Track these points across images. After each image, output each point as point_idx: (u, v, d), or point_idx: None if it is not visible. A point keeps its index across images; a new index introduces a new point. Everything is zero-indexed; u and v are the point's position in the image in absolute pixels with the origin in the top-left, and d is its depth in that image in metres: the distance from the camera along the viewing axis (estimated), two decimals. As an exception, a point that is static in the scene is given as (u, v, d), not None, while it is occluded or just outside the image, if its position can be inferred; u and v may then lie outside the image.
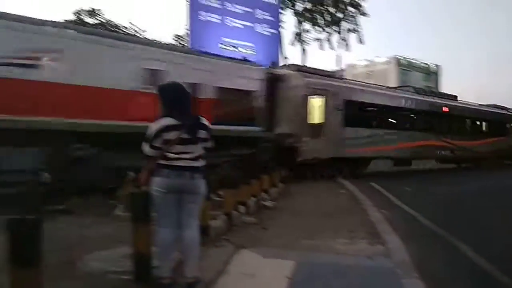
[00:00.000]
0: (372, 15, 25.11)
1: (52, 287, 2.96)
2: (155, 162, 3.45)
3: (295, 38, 24.65)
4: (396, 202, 9.39)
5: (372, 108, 15.66)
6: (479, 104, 22.44)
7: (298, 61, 22.05)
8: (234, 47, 17.89)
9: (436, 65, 60.06)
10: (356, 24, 24.78)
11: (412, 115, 17.73)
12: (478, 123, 21.53)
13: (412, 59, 57.50)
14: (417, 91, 19.07)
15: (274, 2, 19.83)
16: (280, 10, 20.96)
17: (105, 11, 24.87)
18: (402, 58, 56.67)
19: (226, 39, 17.83)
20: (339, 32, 24.86)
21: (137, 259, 3.64)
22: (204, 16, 17.45)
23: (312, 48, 38.92)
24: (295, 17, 24.63)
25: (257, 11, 19.02)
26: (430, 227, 6.81)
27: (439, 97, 19.79)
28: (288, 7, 23.79)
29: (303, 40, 24.82)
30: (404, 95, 17.71)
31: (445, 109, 18.90)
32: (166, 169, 3.41)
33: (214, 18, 17.76)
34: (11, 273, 2.44)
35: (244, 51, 17.69)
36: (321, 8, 24.35)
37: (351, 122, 14.19)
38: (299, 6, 24.47)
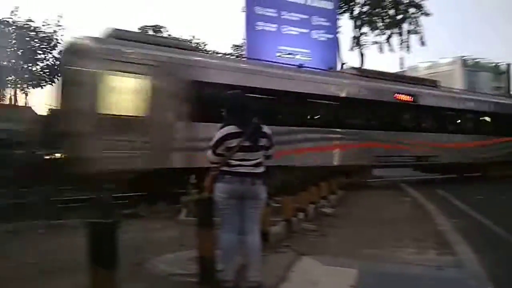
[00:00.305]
0: (435, 14, 23.91)
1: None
2: (219, 168, 3.57)
3: (353, 42, 24.22)
4: (467, 211, 8.82)
5: (254, 95, 9.33)
6: (482, 93, 18.81)
7: (357, 66, 21.56)
8: (290, 54, 17.95)
9: (508, 64, 55.85)
10: (417, 25, 23.82)
11: (335, 106, 12.39)
12: (474, 118, 16.53)
13: (479, 59, 53.96)
14: (362, 72, 14.85)
15: (330, 7, 19.66)
16: (337, 15, 20.71)
17: (168, 26, 26.04)
18: (468, 58, 53.40)
19: (282, 47, 17.95)
20: (399, 34, 24.05)
21: (201, 262, 3.76)
22: (260, 26, 17.71)
23: (371, 51, 37.93)
24: (352, 21, 24.22)
25: (314, 17, 18.97)
26: (506, 237, 6.33)
27: (406, 82, 15.35)
28: (345, 11, 23.45)
29: (361, 44, 24.31)
30: (317, 76, 12.93)
31: (403, 97, 14.03)
32: (228, 175, 3.53)
33: (270, 27, 17.96)
34: (90, 272, 2.63)
35: (300, 58, 17.69)
36: (380, 10, 23.73)
37: (206, 115, 8.95)
38: (357, 10, 24.04)
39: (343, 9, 23.17)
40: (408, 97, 14.11)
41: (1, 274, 4.00)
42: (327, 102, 12.23)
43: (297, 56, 17.97)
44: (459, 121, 16.13)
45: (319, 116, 12.52)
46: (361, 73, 14.38)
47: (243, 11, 17.69)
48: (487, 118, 16.81)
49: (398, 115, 14.34)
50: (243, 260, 3.69)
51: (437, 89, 16.02)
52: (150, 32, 19.40)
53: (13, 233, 5.82)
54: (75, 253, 4.75)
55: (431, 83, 16.32)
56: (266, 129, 3.70)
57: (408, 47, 24.16)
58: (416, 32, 23.81)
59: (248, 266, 3.60)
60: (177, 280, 3.91)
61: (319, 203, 8.09)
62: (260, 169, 3.61)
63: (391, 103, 13.68)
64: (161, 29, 20.49)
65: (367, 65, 25.83)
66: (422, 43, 24.00)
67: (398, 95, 13.94)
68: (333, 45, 19.95)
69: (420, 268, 4.56)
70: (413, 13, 23.73)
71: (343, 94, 12.63)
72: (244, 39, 18.25)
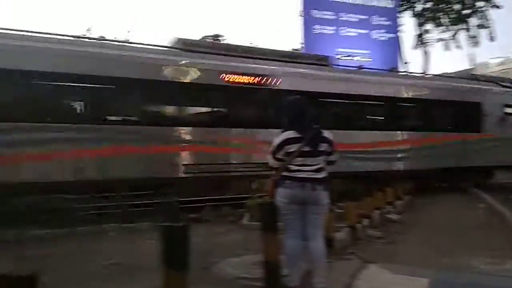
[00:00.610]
0: (506, 7, 22.18)
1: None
2: (280, 173, 3.60)
3: (417, 40, 23.17)
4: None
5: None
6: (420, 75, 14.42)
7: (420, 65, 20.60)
8: (349, 56, 17.62)
9: None
10: (486, 19, 22.25)
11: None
12: (395, 108, 11.46)
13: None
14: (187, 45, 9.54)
15: (391, 6, 19.03)
16: (398, 14, 19.99)
17: (226, 34, 26.68)
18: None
19: (341, 49, 17.67)
20: (467, 30, 22.62)
21: (266, 267, 3.79)
22: (318, 29, 17.61)
23: (437, 49, 36.04)
24: (415, 18, 23.20)
25: (373, 17, 18.49)
26: None
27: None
28: (406, 9, 22.54)
29: (425, 42, 23.19)
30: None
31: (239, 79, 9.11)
32: (289, 180, 3.55)
33: (328, 29, 17.78)
34: (163, 274, 2.77)
35: (360, 59, 17.30)
36: (444, 6, 22.50)
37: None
38: (419, 7, 22.99)
39: (405, 6, 22.27)
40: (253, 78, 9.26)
41: (90, 272, 4.33)
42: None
43: (357, 58, 17.59)
44: (365, 112, 11.15)
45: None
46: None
47: (301, 15, 17.67)
48: (426, 108, 11.92)
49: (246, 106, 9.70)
50: (308, 266, 3.68)
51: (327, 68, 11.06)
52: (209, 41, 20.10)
53: (92, 235, 6.26)
54: (149, 255, 5.05)
55: (320, 61, 11.32)
56: (327, 134, 3.67)
57: (476, 43, 22.63)
58: (484, 27, 22.25)
59: (314, 272, 3.58)
60: (243, 284, 3.98)
61: (385, 209, 7.83)
62: (321, 175, 3.59)
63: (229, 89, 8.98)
64: (219, 37, 21.06)
65: (432, 65, 24.56)
66: (491, 38, 22.37)
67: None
68: (394, 44, 19.27)
69: (497, 279, 4.25)
70: (481, 7, 22.22)
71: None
72: (302, 43, 18.20)
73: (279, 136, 3.65)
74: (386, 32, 18.77)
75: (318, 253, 3.59)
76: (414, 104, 11.85)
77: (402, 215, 8.03)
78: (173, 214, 6.99)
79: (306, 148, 3.53)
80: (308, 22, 17.53)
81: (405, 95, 11.75)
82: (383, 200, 7.91)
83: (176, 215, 6.78)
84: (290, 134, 3.58)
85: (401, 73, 15.49)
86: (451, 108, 12.35)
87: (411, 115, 12.06)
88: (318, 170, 3.56)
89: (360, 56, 17.78)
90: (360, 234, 5.99)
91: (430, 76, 14.42)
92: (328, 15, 17.76)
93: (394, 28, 19.18)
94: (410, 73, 15.12)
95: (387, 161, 10.96)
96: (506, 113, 13.13)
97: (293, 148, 3.53)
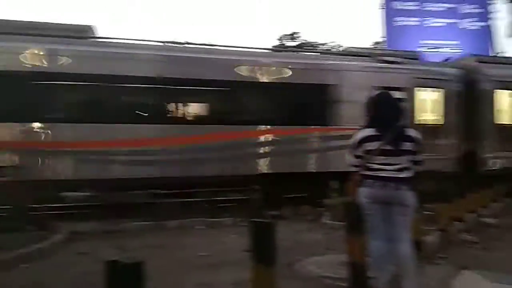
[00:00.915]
0: None
1: (278, 285, 3.33)
2: (360, 172, 3.51)
3: (512, 28, 21.03)
4: None
5: None
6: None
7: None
8: (435, 48, 16.56)
9: None
10: None
11: None
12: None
13: None
14: None
15: (483, -9, 17.55)
16: (491, 0, 18.32)
17: (301, 32, 26.50)
18: None
19: (426, 41, 16.68)
20: None
21: (352, 268, 3.73)
22: (400, 21, 16.82)
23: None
24: (510, 4, 21.05)
25: (462, 5, 17.17)
26: None
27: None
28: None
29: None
30: None
31: None
32: (370, 179, 3.43)
33: (412, 21, 16.90)
34: (252, 268, 2.86)
35: (447, 51, 16.17)
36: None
37: None
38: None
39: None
40: None
41: (183, 263, 4.63)
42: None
43: (443, 49, 16.47)
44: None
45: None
46: None
47: (381, 8, 17.00)
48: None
49: None
50: (396, 270, 3.55)
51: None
52: (288, 42, 20.02)
53: (180, 229, 6.67)
54: (234, 249, 5.27)
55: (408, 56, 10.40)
56: (412, 132, 3.48)
57: None
58: None
59: (403, 276, 3.44)
60: (328, 283, 3.97)
61: (479, 212, 7.24)
62: (405, 174, 3.41)
63: None
64: (296, 36, 21.01)
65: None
66: None
67: None
68: (486, 34, 17.70)
69: None
70: None
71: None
72: (383, 37, 17.50)
73: (358, 133, 3.55)
74: (477, 21, 17.33)
75: (405, 256, 3.43)
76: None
77: (499, 219, 7.36)
78: (257, 210, 7.16)
79: (387, 147, 3.38)
80: (390, 14, 16.83)
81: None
82: (478, 203, 7.32)
83: (260, 212, 6.93)
84: (369, 131, 3.46)
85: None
86: (281, 93, 8.76)
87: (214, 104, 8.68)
88: (401, 170, 3.39)
89: (448, 48, 16.61)
90: (452, 238, 5.62)
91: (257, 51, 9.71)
92: (411, 5, 16.91)
93: (486, 16, 17.64)
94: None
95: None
96: None
97: (372, 146, 3.40)
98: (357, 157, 3.50)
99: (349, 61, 9.50)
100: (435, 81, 9.93)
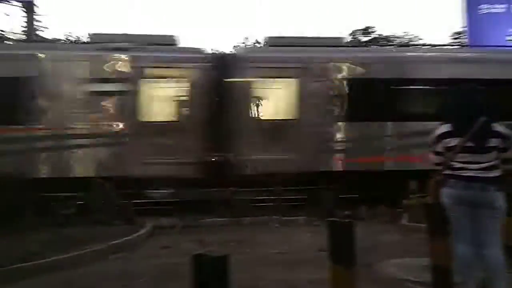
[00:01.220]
0: None
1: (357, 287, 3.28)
2: (442, 171, 3.31)
3: None
4: None
5: None
6: None
7: None
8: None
9: None
10: None
11: None
12: None
13: None
14: None
15: None
16: None
17: (376, 26, 25.49)
18: None
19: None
20: None
21: (435, 272, 3.56)
22: (485, 8, 15.53)
23: None
24: None
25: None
26: None
27: None
28: None
29: None
30: None
31: None
32: (452, 179, 3.22)
33: (498, 8, 15.52)
34: (330, 268, 2.85)
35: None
36: None
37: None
38: None
39: None
40: None
41: (260, 259, 4.75)
42: None
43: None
44: None
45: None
46: None
47: (462, -4, 15.83)
48: None
49: None
50: (485, 276, 3.32)
51: None
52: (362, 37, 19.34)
53: (255, 226, 6.83)
54: (309, 247, 5.29)
55: None
56: (501, 128, 3.20)
57: None
58: None
59: (492, 283, 3.21)
60: (409, 286, 3.83)
61: None
62: (493, 174, 3.15)
63: None
64: (370, 30, 20.30)
65: None
66: None
67: None
68: None
69: None
70: None
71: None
72: (464, 27, 16.28)
73: (437, 129, 3.35)
74: None
75: (495, 262, 3.19)
76: None
77: None
78: (329, 210, 7.10)
79: (470, 144, 3.15)
80: (473, 2, 15.61)
81: None
82: None
83: (333, 211, 6.86)
84: (448, 127, 3.25)
85: None
86: None
87: None
88: (488, 169, 3.14)
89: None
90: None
91: None
92: (498, -10, 15.52)
93: None
94: None
95: None
96: (93, 92, 7.99)
97: (452, 142, 3.19)
98: (438, 154, 3.32)
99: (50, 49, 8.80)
100: (172, 70, 8.35)
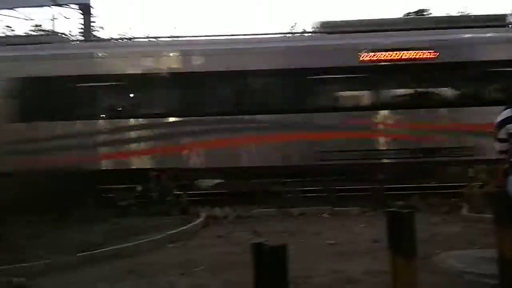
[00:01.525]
0: None
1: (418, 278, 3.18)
2: (509, 158, 3.11)
3: None
4: None
5: None
6: None
7: None
8: None
9: None
10: None
11: None
12: None
13: None
14: None
15: None
16: None
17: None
18: None
19: None
20: None
21: (502, 264, 3.38)
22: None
23: None
24: None
25: None
26: None
27: None
28: None
29: None
30: None
31: None
32: None
33: None
34: (391, 261, 2.78)
35: None
36: None
37: None
38: None
39: None
40: None
41: (314, 250, 4.74)
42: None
43: None
44: None
45: None
46: None
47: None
48: None
49: None
50: None
51: None
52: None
53: (305, 217, 6.81)
54: (363, 238, 5.21)
55: None
56: None
57: None
58: None
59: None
60: (472, 279, 3.67)
61: None
62: None
63: None
64: (424, 12, 19.29)
65: None
66: None
67: None
68: None
69: None
70: None
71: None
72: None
73: (500, 114, 3.15)
74: None
75: None
76: None
77: None
78: (382, 200, 6.94)
79: None
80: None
81: None
82: None
83: (386, 202, 6.70)
84: (510, 112, 3.05)
85: None
86: None
87: None
88: None
89: None
90: None
91: None
92: None
93: None
94: None
95: None
96: None
97: None
98: (502, 141, 3.13)
99: None
100: None
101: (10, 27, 15.63)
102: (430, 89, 8.51)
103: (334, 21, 9.15)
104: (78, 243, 5.03)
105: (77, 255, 4.63)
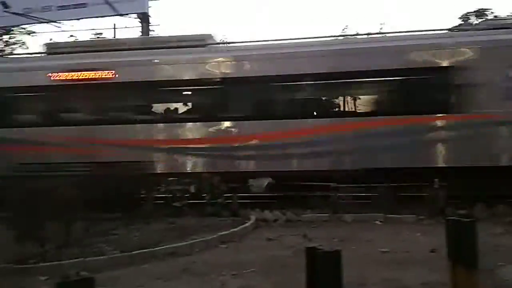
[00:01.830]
0: None
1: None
2: None
3: None
4: None
5: None
6: None
7: None
8: None
9: None
10: None
11: None
12: None
13: None
14: None
15: None
16: None
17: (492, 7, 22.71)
18: None
19: None
20: None
21: None
22: None
23: None
24: None
25: None
26: None
27: None
28: None
29: None
30: None
31: None
32: None
33: None
34: (451, 271, 2.66)
35: None
36: None
37: None
38: None
39: None
40: None
41: (367, 258, 4.62)
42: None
43: None
44: None
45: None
46: None
47: None
48: None
49: None
50: None
51: None
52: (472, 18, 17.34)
53: (358, 223, 6.65)
54: (417, 247, 5.01)
55: None
56: None
57: None
58: None
59: None
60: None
61: None
62: None
63: None
64: (485, 12, 18.14)
65: None
66: None
67: None
68: None
69: None
70: None
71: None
72: None
73: None
74: None
75: None
76: None
77: None
78: (440, 208, 6.63)
79: None
80: None
81: None
82: None
83: (443, 210, 6.39)
84: None
85: None
86: None
87: None
88: None
89: None
90: None
91: None
92: None
93: None
94: None
95: None
96: None
97: None
98: None
99: None
100: None
101: (75, 37, 16.62)
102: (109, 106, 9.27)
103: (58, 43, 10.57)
104: (137, 241, 5.31)
105: (137, 252, 4.88)
